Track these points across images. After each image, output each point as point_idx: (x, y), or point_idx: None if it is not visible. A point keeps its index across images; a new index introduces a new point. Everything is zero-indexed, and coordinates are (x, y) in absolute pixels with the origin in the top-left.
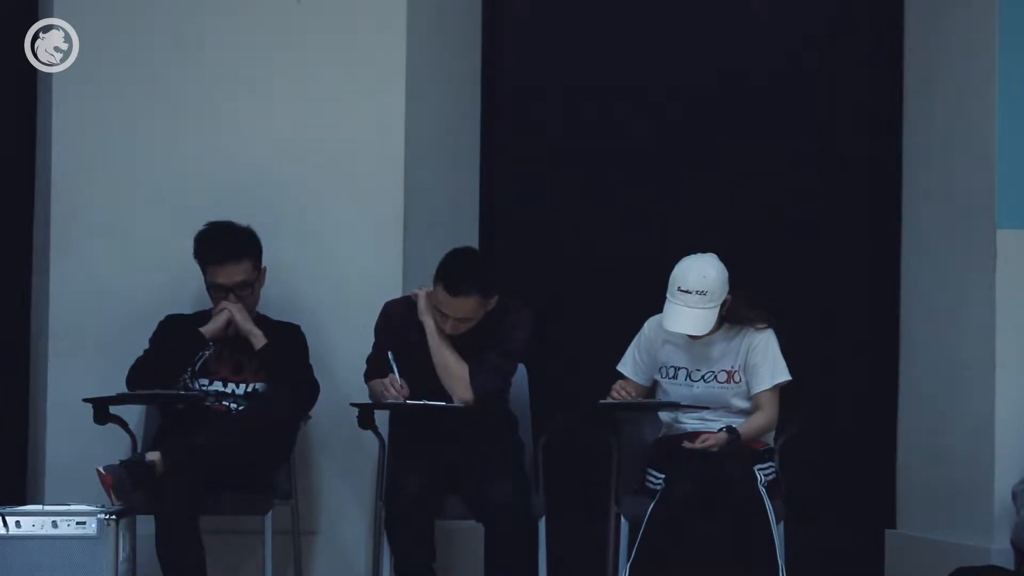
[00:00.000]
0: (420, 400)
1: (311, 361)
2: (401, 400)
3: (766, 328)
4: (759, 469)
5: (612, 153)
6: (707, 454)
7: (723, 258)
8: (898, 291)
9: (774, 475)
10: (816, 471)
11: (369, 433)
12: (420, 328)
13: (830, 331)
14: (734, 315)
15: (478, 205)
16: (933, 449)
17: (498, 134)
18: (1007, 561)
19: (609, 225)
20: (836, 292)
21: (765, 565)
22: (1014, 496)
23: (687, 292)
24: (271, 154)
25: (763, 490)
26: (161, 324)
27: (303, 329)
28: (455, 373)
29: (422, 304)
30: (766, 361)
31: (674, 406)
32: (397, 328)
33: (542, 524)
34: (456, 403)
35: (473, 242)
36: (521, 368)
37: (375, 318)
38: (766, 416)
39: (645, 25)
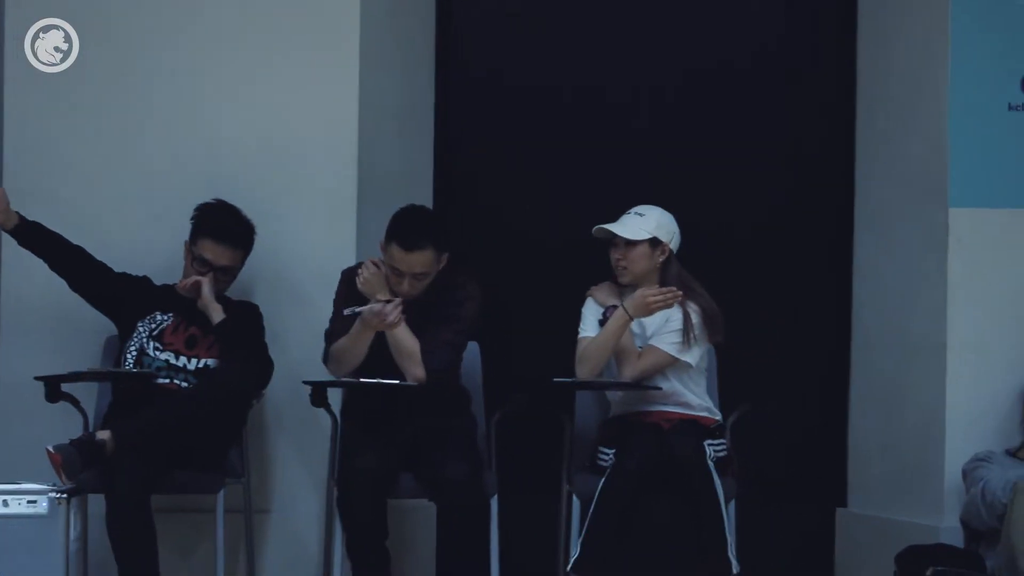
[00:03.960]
0: (373, 378)
1: (266, 340)
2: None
3: (699, 310)
4: (709, 445)
5: (563, 138)
6: (659, 431)
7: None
8: (851, 271)
9: (725, 452)
10: (768, 449)
11: (322, 411)
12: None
13: (784, 311)
14: (679, 282)
15: (431, 187)
16: (884, 429)
17: (452, 117)
18: (956, 539)
19: (562, 207)
20: (790, 273)
21: (715, 541)
22: (964, 475)
23: (627, 213)
24: (227, 136)
25: (712, 466)
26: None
27: (260, 307)
28: (407, 350)
29: (372, 285)
30: (681, 332)
31: (629, 385)
32: (357, 295)
33: (494, 502)
34: (409, 381)
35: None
36: (473, 345)
37: (330, 298)
38: (636, 366)
39: (601, 16)
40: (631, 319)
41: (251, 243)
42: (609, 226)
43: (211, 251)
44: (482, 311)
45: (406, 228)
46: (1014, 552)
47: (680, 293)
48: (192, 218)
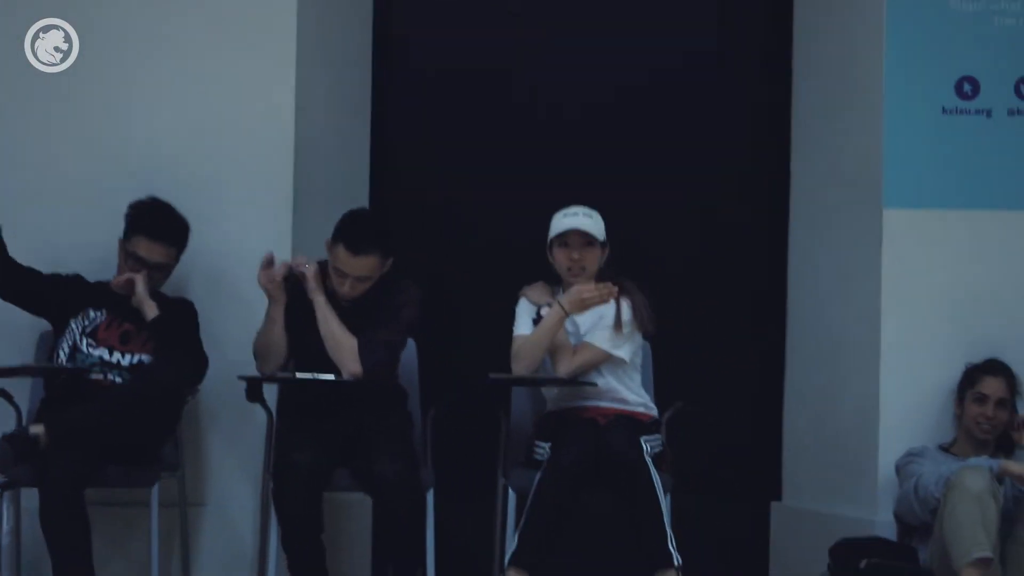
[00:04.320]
0: (309, 374)
1: (201, 336)
2: (306, 265)
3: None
4: (645, 440)
5: (500, 136)
6: (595, 427)
7: (611, 234)
8: (786, 269)
9: (661, 447)
10: (704, 444)
11: (258, 406)
12: (311, 304)
13: (720, 308)
14: (613, 279)
15: (368, 185)
16: (819, 424)
17: (390, 113)
18: (889, 533)
19: (497, 205)
20: (726, 269)
21: (656, 535)
22: (898, 470)
23: (575, 214)
24: (162, 133)
25: (649, 460)
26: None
27: (195, 304)
28: (344, 346)
29: (311, 283)
30: (615, 328)
31: (564, 381)
32: (292, 291)
33: (430, 496)
34: (345, 376)
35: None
36: (411, 343)
37: (263, 294)
38: (571, 362)
39: (540, 14)
40: (566, 315)
41: (185, 241)
42: (574, 224)
43: (145, 248)
44: (420, 311)
45: (355, 232)
46: (946, 546)
47: (615, 289)
48: (126, 216)
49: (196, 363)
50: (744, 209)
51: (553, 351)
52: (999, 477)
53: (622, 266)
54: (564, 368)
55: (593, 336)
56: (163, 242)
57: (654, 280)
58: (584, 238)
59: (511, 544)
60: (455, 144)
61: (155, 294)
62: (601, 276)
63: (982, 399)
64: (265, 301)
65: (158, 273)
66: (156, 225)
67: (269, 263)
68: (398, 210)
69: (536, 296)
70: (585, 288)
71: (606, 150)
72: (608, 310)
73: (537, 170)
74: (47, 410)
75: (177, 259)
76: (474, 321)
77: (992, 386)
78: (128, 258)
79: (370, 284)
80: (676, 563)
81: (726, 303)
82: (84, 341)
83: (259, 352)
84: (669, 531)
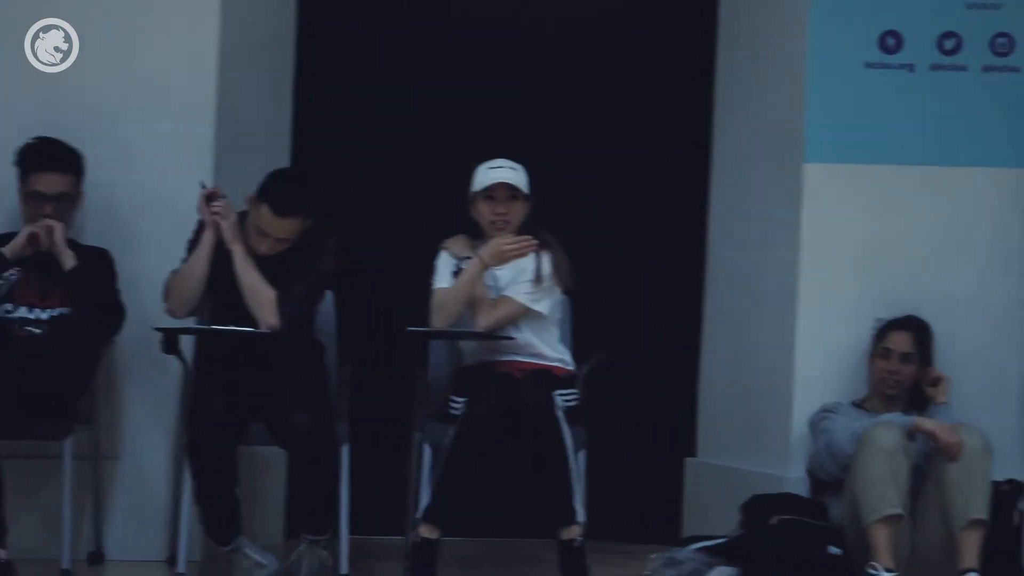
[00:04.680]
0: (227, 325)
1: (119, 286)
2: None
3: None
4: (560, 395)
5: (421, 87)
6: (510, 381)
7: (533, 188)
8: (706, 223)
9: (576, 402)
10: (620, 399)
11: (173, 358)
12: (227, 255)
13: (639, 263)
14: (534, 233)
15: (290, 132)
16: (734, 380)
17: (314, 63)
18: (802, 489)
19: (416, 157)
20: (645, 226)
21: (561, 491)
22: (811, 426)
23: (500, 167)
24: (83, 80)
25: (561, 415)
26: None
27: (113, 253)
28: (262, 299)
29: (228, 234)
30: (534, 283)
31: (482, 335)
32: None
33: (345, 450)
34: (263, 329)
35: (285, 164)
36: (328, 295)
37: (183, 243)
38: (490, 316)
39: None
40: (486, 268)
41: (82, 166)
42: (500, 177)
43: (42, 183)
44: (338, 264)
45: (281, 193)
46: (857, 502)
47: (535, 242)
48: (16, 162)
49: (113, 314)
50: (667, 165)
51: (472, 305)
52: (911, 434)
53: (543, 220)
54: (483, 322)
55: (512, 290)
56: (57, 170)
57: (574, 235)
58: (509, 191)
59: (425, 498)
60: (377, 96)
61: (72, 244)
62: (523, 230)
63: (887, 353)
64: (180, 249)
65: (64, 204)
66: (45, 156)
67: (212, 196)
68: (318, 160)
69: (457, 249)
70: (504, 241)
71: (530, 104)
72: (528, 264)
73: (459, 124)
74: None
75: (78, 188)
76: (393, 274)
77: (897, 340)
78: (29, 201)
79: (289, 244)
80: (580, 520)
81: (646, 258)
82: (2, 307)
83: (174, 286)
84: (576, 487)
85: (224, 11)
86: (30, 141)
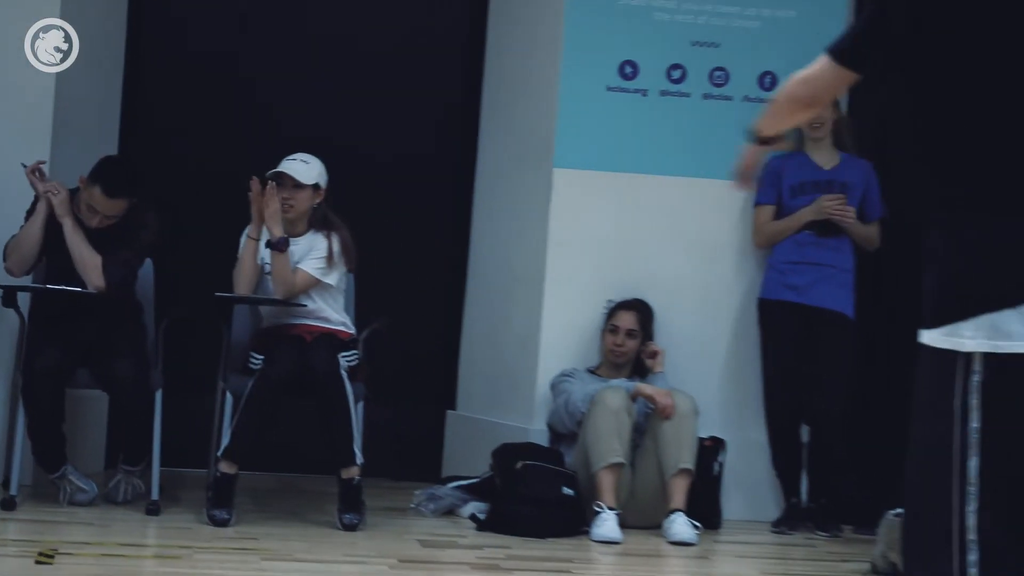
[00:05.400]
0: (59, 285)
1: None
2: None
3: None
4: (343, 356)
5: (237, 75)
6: (301, 342)
7: (331, 178)
8: (471, 214)
9: (356, 361)
10: (395, 359)
11: (11, 311)
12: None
13: (414, 244)
14: (326, 219)
15: (119, 117)
16: (490, 345)
17: (143, 49)
18: (542, 439)
19: (229, 144)
20: (422, 213)
21: (344, 438)
22: (552, 387)
23: (292, 160)
24: None
25: (344, 374)
26: None
27: None
28: (89, 264)
29: (59, 208)
30: (325, 259)
31: (278, 302)
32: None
33: (159, 395)
34: (90, 289)
35: (113, 150)
36: (148, 263)
37: (20, 220)
38: (286, 285)
39: None
40: (256, 242)
41: None
42: (286, 168)
43: None
44: (157, 236)
45: (110, 177)
46: (587, 451)
47: (280, 210)
48: None
49: None
50: (442, 163)
51: (273, 276)
52: (634, 396)
53: (340, 203)
54: (280, 290)
55: (305, 264)
56: None
57: (362, 218)
58: (292, 181)
59: (225, 439)
60: (195, 88)
61: None
62: (314, 216)
63: (615, 329)
64: (19, 210)
65: None
66: None
67: (36, 171)
68: (145, 145)
69: (253, 228)
70: (262, 214)
71: (323, 107)
72: (320, 242)
73: (264, 121)
74: None
75: None
76: (207, 246)
77: (623, 319)
78: None
79: (116, 219)
80: (358, 462)
81: (421, 240)
82: None
83: (12, 249)
84: (356, 434)
85: (63, 6)
86: None
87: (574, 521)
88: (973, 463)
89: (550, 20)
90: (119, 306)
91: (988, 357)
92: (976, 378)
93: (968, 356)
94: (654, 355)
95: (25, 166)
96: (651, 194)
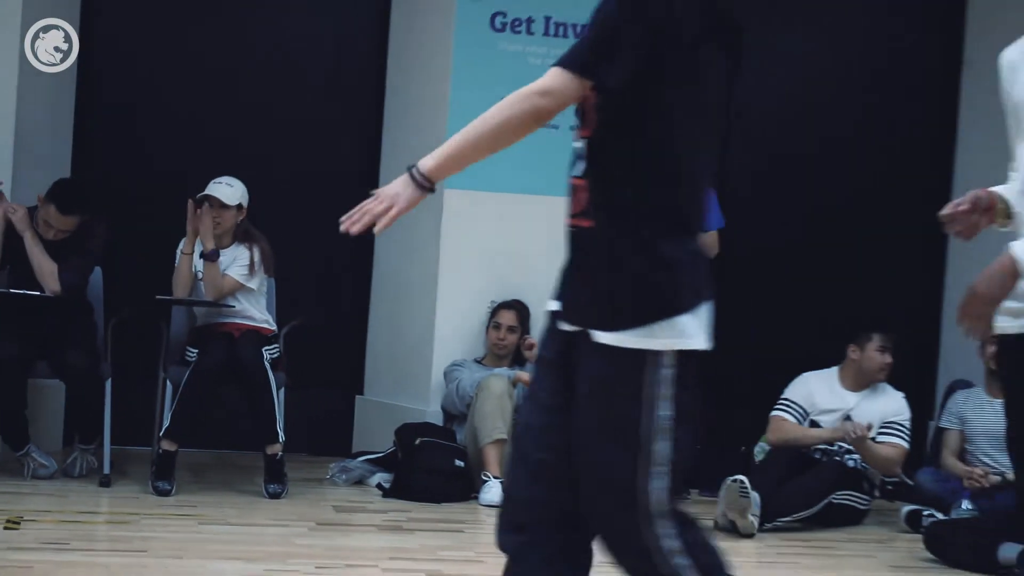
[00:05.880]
0: (20, 290)
1: None
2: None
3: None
4: (266, 349)
5: (173, 102)
6: (231, 338)
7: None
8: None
9: (278, 353)
10: (309, 352)
11: None
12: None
13: (326, 252)
14: (247, 232)
15: (71, 144)
16: (393, 338)
17: (90, 80)
18: (437, 419)
19: (171, 164)
20: (331, 222)
21: (268, 420)
22: (445, 375)
23: (218, 183)
24: None
25: (268, 365)
26: None
27: None
28: (46, 270)
29: (19, 224)
30: (249, 266)
31: (210, 303)
32: (8, 228)
33: (108, 383)
34: (47, 292)
35: (66, 171)
36: (97, 269)
37: None
38: (216, 289)
39: None
40: (189, 255)
41: None
42: (214, 191)
43: None
44: (105, 246)
45: (64, 197)
46: (476, 430)
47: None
48: None
49: None
50: (351, 180)
51: (205, 281)
52: (514, 382)
53: (257, 224)
54: (211, 293)
55: (232, 271)
56: None
57: (282, 228)
58: (219, 202)
59: (166, 421)
60: (143, 112)
61: None
62: (238, 229)
63: (498, 326)
64: None
65: None
66: None
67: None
68: (94, 166)
69: (186, 243)
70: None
71: (254, 121)
72: (244, 253)
73: (201, 136)
74: None
75: None
76: (149, 254)
77: (505, 316)
78: None
79: (69, 233)
80: (281, 440)
81: (332, 249)
82: None
83: None
84: (278, 416)
85: (24, 25)
86: None
87: (465, 489)
88: (657, 448)
89: (441, 61)
90: (72, 306)
91: (677, 354)
92: (665, 372)
93: (658, 353)
94: (531, 347)
95: (7, 212)
96: (526, 210)
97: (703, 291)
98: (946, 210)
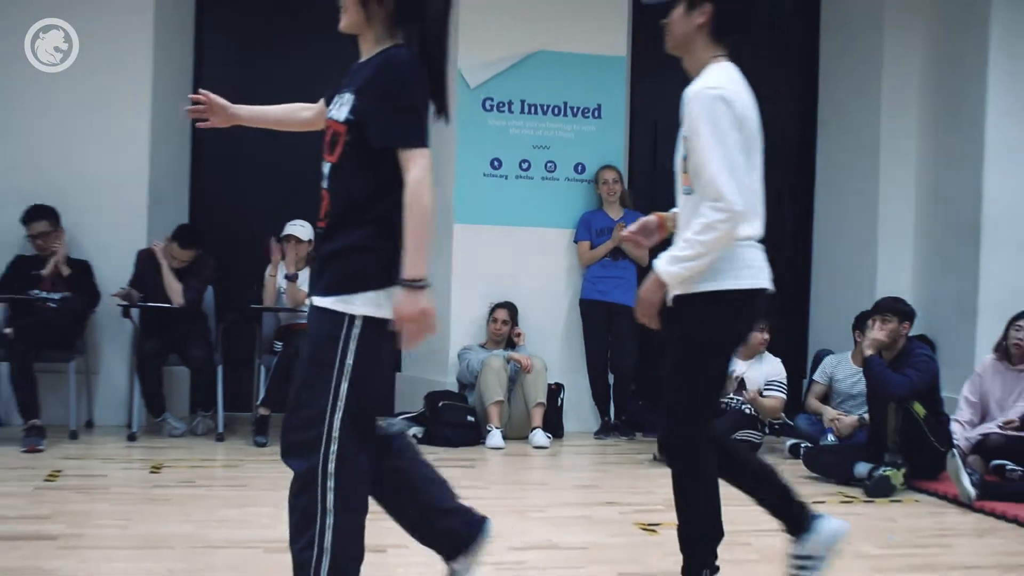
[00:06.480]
0: (157, 303)
1: (95, 281)
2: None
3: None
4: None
5: (278, 162)
6: (305, 333)
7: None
8: None
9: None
10: None
11: (128, 320)
12: (158, 264)
13: None
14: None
15: (188, 192)
16: None
17: (200, 144)
18: (453, 387)
19: (266, 209)
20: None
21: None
22: (459, 356)
23: (293, 224)
24: (43, 150)
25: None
26: None
27: (90, 263)
28: (174, 288)
29: (160, 254)
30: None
31: (290, 309)
32: (147, 262)
33: (220, 369)
34: (175, 304)
35: (185, 216)
36: (209, 288)
37: (125, 271)
38: (294, 298)
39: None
40: (274, 278)
41: (52, 218)
42: (293, 231)
43: (33, 229)
44: (215, 272)
45: (185, 236)
46: (481, 393)
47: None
48: (21, 219)
49: (92, 297)
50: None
51: (288, 295)
52: (508, 360)
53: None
54: (291, 303)
55: (305, 287)
56: (42, 220)
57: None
58: (296, 239)
59: (262, 393)
60: (244, 172)
61: (68, 259)
62: (308, 256)
63: (495, 320)
64: (124, 260)
65: (50, 239)
66: (36, 213)
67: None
68: (206, 212)
69: (273, 268)
70: (279, 261)
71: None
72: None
73: (298, 188)
74: (13, 320)
75: (55, 231)
76: (247, 276)
77: (500, 313)
78: (33, 240)
79: (188, 262)
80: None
81: None
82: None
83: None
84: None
85: (153, 105)
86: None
87: (475, 437)
88: (344, 387)
89: (448, 132)
90: (193, 314)
91: (366, 319)
92: (355, 331)
93: (353, 317)
94: (519, 336)
95: (155, 244)
96: (515, 237)
97: (393, 276)
98: (623, 232)
